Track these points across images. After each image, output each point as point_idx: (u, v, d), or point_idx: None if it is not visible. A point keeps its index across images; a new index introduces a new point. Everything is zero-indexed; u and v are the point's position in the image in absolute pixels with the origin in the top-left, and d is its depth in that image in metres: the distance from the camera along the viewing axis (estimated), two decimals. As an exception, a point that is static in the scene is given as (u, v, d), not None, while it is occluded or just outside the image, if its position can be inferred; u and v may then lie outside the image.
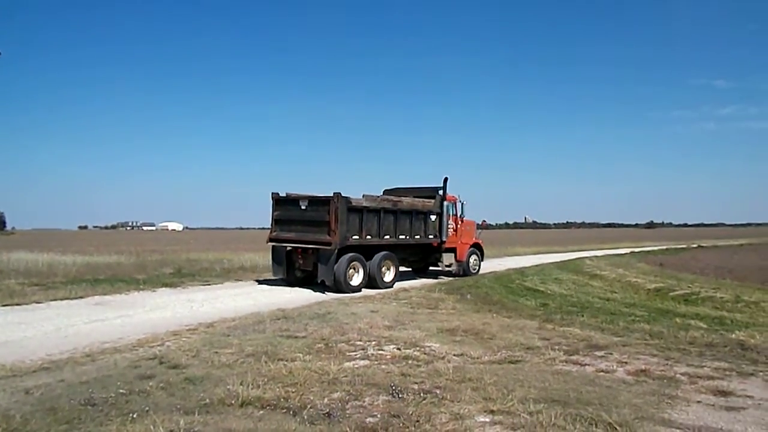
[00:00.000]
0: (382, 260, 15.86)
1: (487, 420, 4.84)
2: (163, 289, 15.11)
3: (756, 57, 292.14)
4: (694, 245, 52.51)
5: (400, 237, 16.60)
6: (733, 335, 8.93)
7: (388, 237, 16.18)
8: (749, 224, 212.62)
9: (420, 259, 18.79)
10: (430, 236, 17.80)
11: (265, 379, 5.85)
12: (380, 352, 7.49)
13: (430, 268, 19.56)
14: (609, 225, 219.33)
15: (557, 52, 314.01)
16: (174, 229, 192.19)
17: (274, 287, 15.82)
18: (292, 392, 5.43)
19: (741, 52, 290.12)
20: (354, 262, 15.11)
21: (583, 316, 10.92)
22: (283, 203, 16.06)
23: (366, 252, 15.52)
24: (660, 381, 6.18)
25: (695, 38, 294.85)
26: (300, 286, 15.65)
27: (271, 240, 16.14)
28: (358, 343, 8.03)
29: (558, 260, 29.22)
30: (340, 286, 14.62)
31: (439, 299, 13.21)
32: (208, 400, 5.19)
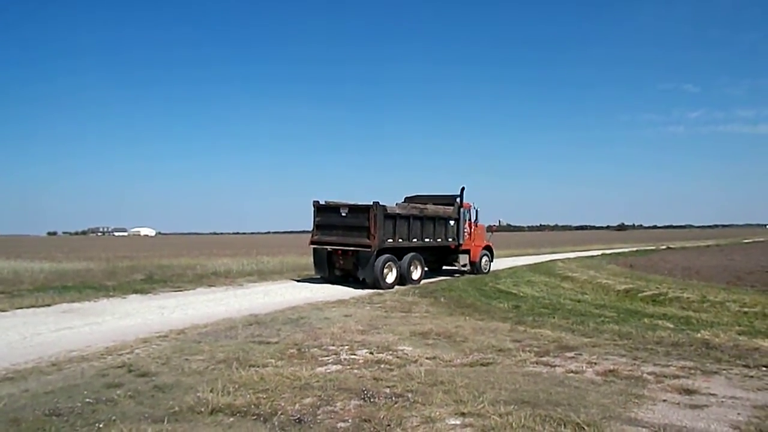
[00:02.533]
0: (411, 260, 17.78)
1: (458, 422, 4.88)
2: (134, 295, 14.85)
3: (721, 62, 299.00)
4: (663, 247, 53.53)
5: (426, 240, 18.53)
6: (699, 334, 9.15)
7: (416, 240, 18.06)
8: (716, 226, 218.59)
9: (437, 260, 20.66)
10: (450, 239, 19.74)
11: (236, 386, 5.81)
12: (353, 356, 7.49)
13: (444, 267, 21.36)
14: (581, 227, 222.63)
15: (527, 55, 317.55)
16: (146, 235, 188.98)
17: (246, 292, 15.71)
18: (263, 398, 5.41)
19: (707, 56, 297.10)
20: (389, 262, 16.91)
21: (554, 317, 11.07)
22: (324, 210, 17.86)
23: (398, 253, 17.36)
24: (627, 381, 6.31)
25: (664, 42, 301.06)
26: (338, 284, 17.33)
27: (313, 243, 17.95)
28: (331, 347, 8.02)
29: (531, 263, 29.52)
30: (377, 283, 16.42)
31: (412, 303, 13.25)
32: (177, 408, 5.14)
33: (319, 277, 18.37)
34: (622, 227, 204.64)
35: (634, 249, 49.77)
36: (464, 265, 20.95)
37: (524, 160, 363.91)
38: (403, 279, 17.40)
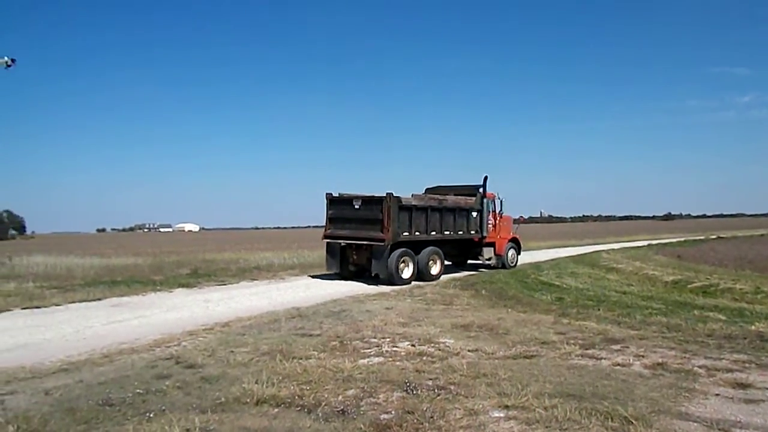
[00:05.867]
0: (430, 254, 16.79)
1: (502, 415, 4.82)
2: (180, 289, 15.23)
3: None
4: (713, 236, 51.88)
5: (445, 233, 17.55)
6: (753, 327, 8.82)
7: (434, 233, 17.12)
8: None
9: (461, 254, 19.84)
10: (472, 232, 18.78)
11: (280, 378, 5.88)
12: (395, 348, 7.49)
13: (469, 261, 20.48)
14: (626, 217, 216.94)
15: (562, 39, 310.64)
16: (190, 230, 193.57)
17: (289, 285, 15.91)
18: (307, 390, 5.46)
19: (757, 36, 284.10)
20: (405, 257, 16.07)
21: (599, 309, 10.85)
22: (337, 203, 17.09)
23: (415, 247, 16.46)
24: (677, 374, 6.12)
25: (710, 23, 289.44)
26: (353, 280, 16.56)
27: (326, 237, 17.19)
28: (373, 340, 8.04)
29: (574, 254, 29.03)
30: (392, 279, 15.56)
31: (453, 295, 13.19)
32: (223, 399, 5.23)
33: (332, 273, 17.62)
34: (668, 217, 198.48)
35: (682, 239, 48.39)
36: (489, 259, 19.82)
37: (565, 150, 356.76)
38: (421, 274, 16.47)
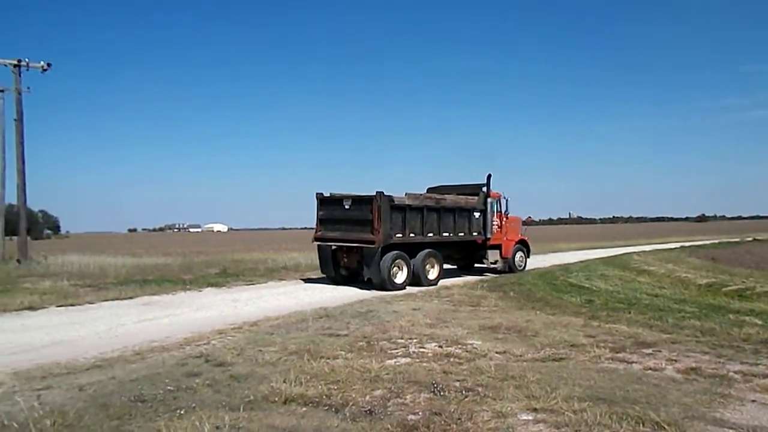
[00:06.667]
0: (426, 258, 15.92)
1: (530, 418, 4.77)
2: (209, 289, 15.45)
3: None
4: (749, 238, 50.53)
5: (444, 234, 16.63)
6: (791, 332, 8.56)
7: (431, 234, 16.22)
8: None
9: (465, 257, 18.97)
10: (475, 233, 17.82)
11: (308, 377, 5.91)
12: (422, 349, 7.47)
13: (476, 265, 19.55)
14: (657, 219, 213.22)
15: (595, 39, 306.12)
16: (219, 231, 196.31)
17: (316, 286, 15.99)
18: (335, 390, 5.48)
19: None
20: (398, 260, 15.20)
21: (630, 312, 10.66)
22: (327, 203, 16.31)
23: (410, 250, 15.59)
24: (712, 379, 5.97)
25: (745, 20, 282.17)
26: (345, 285, 15.87)
27: (316, 239, 16.42)
28: (400, 340, 8.03)
29: (604, 256, 28.54)
30: (384, 284, 14.76)
31: (481, 296, 13.10)
32: (252, 397, 5.28)
33: (325, 276, 16.90)
34: (702, 218, 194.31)
35: (717, 241, 47.29)
36: (495, 263, 18.84)
37: (595, 151, 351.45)
38: (416, 279, 15.58)
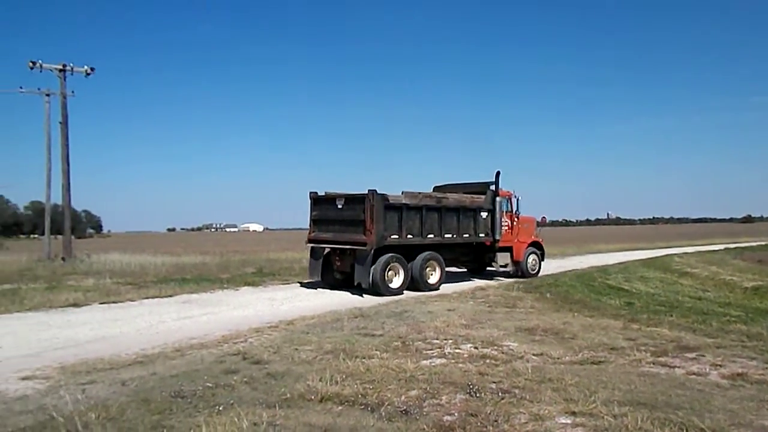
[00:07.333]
0: (425, 261, 14.92)
1: (569, 422, 4.69)
2: (246, 287, 15.68)
3: None
4: (798, 240, 48.69)
5: (446, 236, 15.59)
6: (844, 337, 8.21)
7: (431, 236, 15.20)
8: None
9: (473, 259, 17.92)
10: (482, 235, 16.67)
11: (344, 376, 5.93)
12: (457, 350, 7.42)
13: (488, 268, 18.53)
14: (700, 220, 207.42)
15: (643, 36, 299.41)
16: (255, 230, 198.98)
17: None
18: (370, 389, 5.48)
19: None
20: (393, 264, 14.24)
21: (672, 315, 10.40)
22: (321, 202, 15.50)
23: (407, 252, 14.63)
24: (759, 386, 5.77)
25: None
26: (339, 289, 15.01)
27: (309, 241, 15.60)
28: (435, 341, 8.00)
29: (643, 257, 27.90)
30: (377, 288, 13.81)
31: (517, 298, 12.95)
32: (289, 395, 5.33)
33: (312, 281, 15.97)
34: (748, 219, 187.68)
35: (764, 243, 45.66)
36: (504, 266, 17.60)
37: (634, 150, 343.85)
38: (415, 283, 14.54)
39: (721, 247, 39.46)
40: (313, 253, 15.65)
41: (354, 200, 14.42)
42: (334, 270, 15.36)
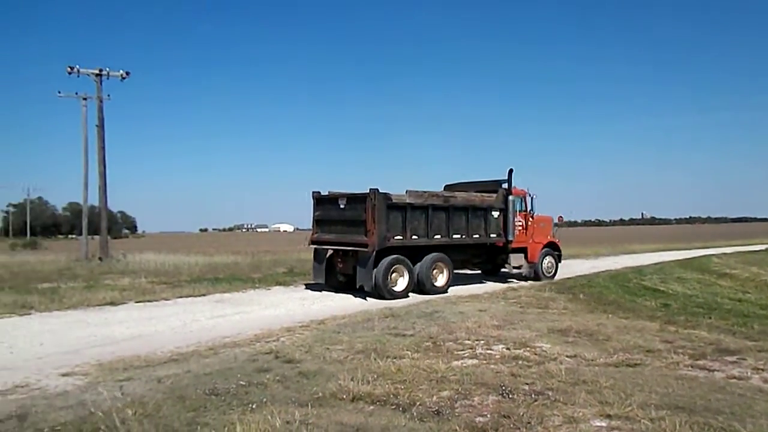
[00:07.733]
0: (432, 263, 14.38)
1: (604, 425, 4.60)
2: (277, 287, 15.85)
3: None
4: None
5: (455, 237, 15.02)
6: None
7: (438, 237, 14.66)
8: None
9: (486, 261, 17.28)
10: (493, 235, 16.04)
11: (375, 376, 5.94)
12: (489, 351, 7.37)
13: (501, 270, 18.06)
14: (739, 219, 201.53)
15: (671, 34, 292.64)
16: (285, 231, 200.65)
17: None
18: (401, 389, 5.48)
19: None
20: (397, 266, 13.76)
21: (710, 317, 10.15)
22: (323, 202, 15.13)
23: (412, 254, 14.15)
24: (803, 390, 5.58)
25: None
26: (343, 292, 14.63)
27: (312, 242, 15.29)
28: (467, 342, 7.95)
29: (680, 258, 27.26)
30: (380, 291, 13.37)
31: (549, 299, 12.78)
32: (321, 394, 5.36)
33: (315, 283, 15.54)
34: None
35: (807, 243, 44.13)
36: (518, 267, 16.86)
37: (669, 148, 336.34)
38: (420, 286, 14.04)
39: (763, 247, 38.27)
40: (316, 255, 15.36)
41: (356, 200, 14.02)
42: (336, 272, 15.02)
